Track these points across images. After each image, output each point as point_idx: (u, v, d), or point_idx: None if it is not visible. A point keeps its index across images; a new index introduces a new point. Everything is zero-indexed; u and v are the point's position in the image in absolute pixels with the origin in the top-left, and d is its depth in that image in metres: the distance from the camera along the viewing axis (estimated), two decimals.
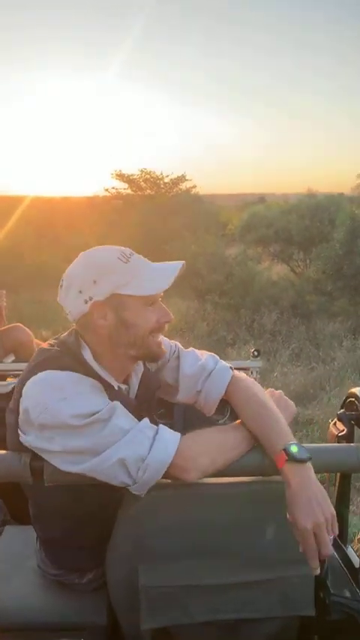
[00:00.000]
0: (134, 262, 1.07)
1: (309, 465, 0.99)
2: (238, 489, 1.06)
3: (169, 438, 0.99)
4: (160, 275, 1.08)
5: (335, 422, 1.26)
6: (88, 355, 1.09)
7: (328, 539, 0.94)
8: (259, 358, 2.22)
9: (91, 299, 1.05)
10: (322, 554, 0.95)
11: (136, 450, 0.96)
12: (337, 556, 1.24)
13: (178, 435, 1.01)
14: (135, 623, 1.07)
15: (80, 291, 1.05)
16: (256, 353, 2.21)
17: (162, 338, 1.19)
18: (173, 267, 1.09)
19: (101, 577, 1.20)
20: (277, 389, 1.25)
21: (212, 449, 1.02)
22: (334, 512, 0.96)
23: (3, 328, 2.83)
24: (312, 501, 0.95)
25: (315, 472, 0.99)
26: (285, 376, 5.12)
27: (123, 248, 1.10)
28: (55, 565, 1.25)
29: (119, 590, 1.12)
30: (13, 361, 2.61)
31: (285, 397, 1.22)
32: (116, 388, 1.11)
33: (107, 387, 1.08)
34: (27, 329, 2.85)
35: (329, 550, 0.94)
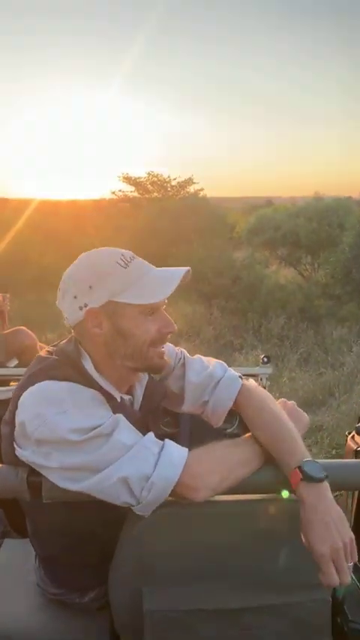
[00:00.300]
0: (134, 267, 1.00)
1: (325, 484, 0.92)
2: (249, 508, 0.99)
3: (175, 455, 0.92)
4: (161, 282, 1.00)
5: (353, 435, 1.19)
6: (88, 365, 1.02)
7: (346, 566, 0.87)
8: (268, 365, 2.14)
9: (86, 306, 0.98)
10: (341, 582, 0.88)
11: (140, 468, 0.89)
12: (355, 579, 1.16)
13: (185, 450, 0.94)
14: None
15: (75, 297, 0.99)
16: (265, 359, 2.14)
17: (166, 346, 1.11)
18: (176, 274, 1.00)
19: (104, 596, 1.13)
20: (284, 394, 1.18)
21: (222, 466, 0.95)
22: (353, 537, 0.90)
23: (7, 331, 2.79)
24: (329, 525, 0.88)
25: (332, 490, 0.92)
26: (293, 381, 5.03)
27: (124, 251, 1.02)
28: (54, 584, 1.19)
29: (122, 612, 1.06)
30: (16, 365, 2.55)
31: (298, 409, 1.15)
32: (119, 400, 1.05)
33: (109, 398, 1.01)
34: (31, 332, 2.80)
35: (348, 578, 0.88)
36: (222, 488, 0.94)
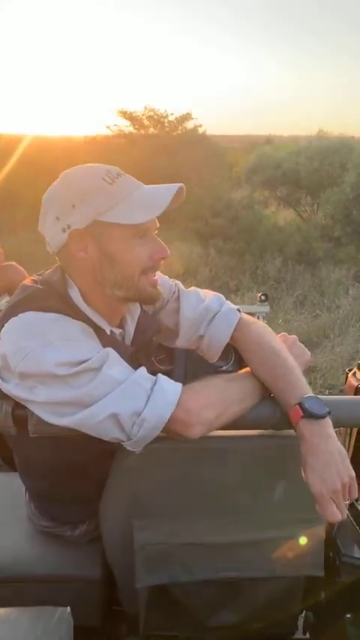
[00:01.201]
0: (121, 183, 0.91)
1: (327, 420, 0.87)
2: (247, 444, 0.95)
3: (168, 390, 0.87)
4: (151, 200, 0.90)
5: (355, 372, 1.15)
6: (75, 295, 0.94)
7: (344, 504, 0.84)
8: (266, 303, 2.08)
9: (69, 227, 0.90)
10: (338, 519, 0.85)
11: (131, 404, 0.84)
12: (348, 514, 1.16)
13: (179, 385, 0.89)
14: (131, 579, 1.01)
15: (58, 218, 0.91)
16: (263, 297, 2.08)
17: (159, 276, 1.04)
18: (168, 191, 0.91)
19: (95, 529, 1.13)
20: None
21: (218, 401, 0.90)
22: (354, 474, 0.86)
23: None
24: (330, 464, 0.84)
25: (334, 427, 0.88)
26: (288, 323, 5.02)
27: (111, 167, 0.93)
28: (45, 517, 1.18)
29: (114, 545, 1.05)
30: (7, 302, 2.49)
31: (299, 343, 1.09)
32: (109, 333, 0.98)
33: (98, 331, 0.95)
34: (21, 268, 2.71)
35: (344, 515, 0.85)
36: (218, 424, 0.90)
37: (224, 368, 1.75)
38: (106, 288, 0.94)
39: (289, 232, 7.66)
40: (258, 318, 2.07)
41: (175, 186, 0.91)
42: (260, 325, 1.08)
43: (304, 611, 1.22)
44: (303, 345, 1.10)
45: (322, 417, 0.87)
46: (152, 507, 0.98)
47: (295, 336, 1.11)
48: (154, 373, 0.91)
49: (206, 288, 1.18)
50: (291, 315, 5.30)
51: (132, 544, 0.97)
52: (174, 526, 0.97)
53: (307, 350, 1.10)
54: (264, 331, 1.06)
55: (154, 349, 1.16)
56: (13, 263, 2.66)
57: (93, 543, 1.16)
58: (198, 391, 0.90)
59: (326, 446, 0.85)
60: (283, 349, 1.00)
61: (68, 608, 0.89)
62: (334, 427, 0.88)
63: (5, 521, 1.26)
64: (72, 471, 1.06)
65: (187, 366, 1.76)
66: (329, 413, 0.87)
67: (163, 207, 0.89)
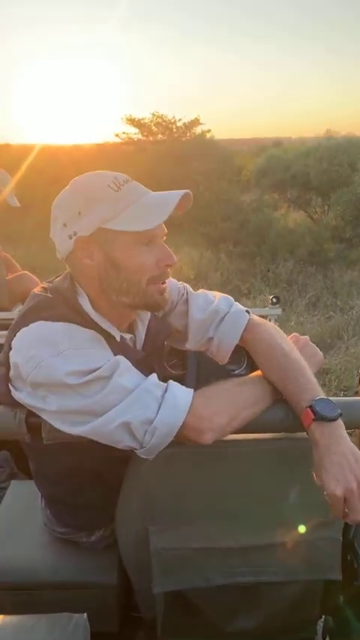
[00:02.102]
0: (127, 191, 0.91)
1: (339, 422, 0.86)
2: (260, 447, 0.95)
3: (179, 397, 0.87)
4: (156, 207, 0.90)
5: None
6: (84, 302, 0.95)
7: (358, 505, 0.83)
8: (278, 305, 2.07)
9: (75, 234, 0.90)
10: (351, 521, 0.84)
11: (142, 412, 0.84)
12: None
13: (190, 392, 0.88)
14: (147, 585, 1.00)
15: (65, 225, 0.91)
16: (275, 300, 2.06)
17: (168, 280, 1.03)
18: (173, 198, 0.90)
19: (111, 535, 1.13)
20: None
21: (230, 406, 0.89)
22: None
23: (11, 276, 2.73)
24: (343, 465, 0.83)
25: (347, 428, 0.87)
26: (301, 326, 4.99)
27: (118, 174, 0.93)
28: (61, 524, 1.18)
29: (130, 550, 1.05)
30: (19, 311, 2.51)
31: (311, 344, 1.08)
32: (118, 339, 0.98)
33: (108, 338, 0.95)
34: (35, 277, 2.74)
35: (359, 517, 0.83)
36: (230, 429, 0.89)
37: (237, 372, 1.74)
38: (112, 295, 0.94)
39: (299, 234, 7.63)
40: (270, 320, 2.06)
41: (180, 192, 0.91)
42: (270, 326, 1.08)
43: (322, 616, 1.21)
44: (315, 346, 1.09)
45: (334, 419, 0.86)
46: (167, 512, 0.98)
47: (307, 337, 1.10)
48: (166, 378, 0.91)
49: (217, 291, 1.18)
50: (304, 317, 5.27)
51: (148, 549, 0.97)
52: (189, 531, 0.97)
53: (319, 351, 1.09)
54: (274, 332, 1.05)
55: (166, 354, 1.16)
56: (27, 272, 2.69)
57: (109, 549, 1.16)
58: (209, 397, 0.89)
59: (339, 447, 0.84)
60: (294, 350, 1.00)
61: (85, 615, 0.89)
62: (348, 429, 0.87)
63: (22, 528, 1.26)
64: (87, 478, 1.06)
65: (199, 371, 1.76)
66: (340, 415, 0.86)
67: (167, 213, 0.89)
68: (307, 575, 1.01)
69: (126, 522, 1.02)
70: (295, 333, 1.10)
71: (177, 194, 0.91)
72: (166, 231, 0.95)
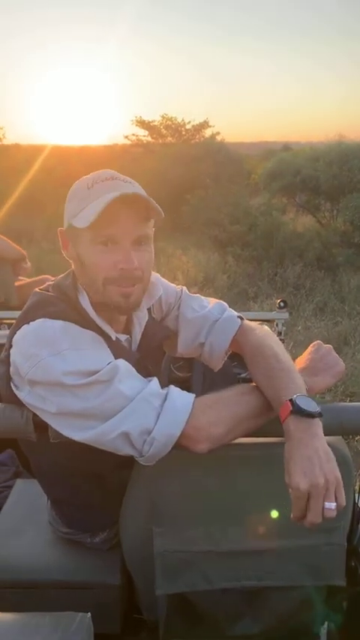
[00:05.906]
0: (97, 189, 0.91)
1: (317, 421, 0.83)
2: (265, 451, 0.95)
3: (179, 407, 0.86)
4: (100, 205, 0.86)
5: None
6: (84, 300, 0.95)
7: (321, 505, 0.78)
8: (285, 310, 2.07)
9: (62, 227, 0.97)
10: (308, 522, 0.79)
11: (141, 423, 0.84)
12: None
13: (190, 401, 0.87)
14: (151, 587, 1.00)
15: (65, 220, 0.97)
16: (282, 304, 2.06)
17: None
18: (108, 198, 0.85)
19: (115, 536, 1.13)
20: (299, 343, 1.11)
21: (229, 417, 0.88)
22: (339, 477, 0.80)
23: (30, 280, 2.78)
24: (313, 460, 0.78)
25: (352, 434, 0.86)
26: (308, 330, 4.97)
27: (108, 172, 0.95)
28: (65, 524, 1.18)
29: (133, 552, 1.05)
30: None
31: (334, 353, 1.06)
32: (114, 338, 0.98)
33: (104, 337, 0.95)
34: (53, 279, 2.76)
35: (319, 519, 0.78)
36: (228, 439, 0.88)
37: (243, 375, 1.74)
38: (86, 291, 0.96)
39: (308, 238, 7.61)
40: (277, 324, 2.06)
41: (116, 194, 0.86)
42: (264, 332, 1.06)
43: (326, 622, 1.20)
44: (338, 356, 1.06)
45: (312, 415, 0.82)
46: (171, 515, 0.98)
47: (330, 346, 1.07)
48: (173, 381, 0.91)
49: (224, 295, 1.18)
50: (311, 321, 5.25)
51: (151, 551, 0.97)
52: (193, 534, 0.97)
53: (341, 361, 1.05)
54: (265, 336, 1.03)
55: (161, 357, 1.16)
56: (48, 276, 2.72)
57: (113, 550, 1.16)
58: (209, 406, 0.88)
59: (312, 442, 0.80)
60: (285, 354, 0.97)
61: (89, 614, 0.89)
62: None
63: (27, 526, 1.27)
64: (90, 479, 1.07)
65: (206, 373, 1.75)
66: (320, 415, 0.83)
67: (96, 214, 0.85)
68: (311, 580, 1.00)
69: (130, 523, 1.03)
70: (318, 341, 1.08)
71: (112, 196, 0.86)
72: (139, 233, 0.91)
